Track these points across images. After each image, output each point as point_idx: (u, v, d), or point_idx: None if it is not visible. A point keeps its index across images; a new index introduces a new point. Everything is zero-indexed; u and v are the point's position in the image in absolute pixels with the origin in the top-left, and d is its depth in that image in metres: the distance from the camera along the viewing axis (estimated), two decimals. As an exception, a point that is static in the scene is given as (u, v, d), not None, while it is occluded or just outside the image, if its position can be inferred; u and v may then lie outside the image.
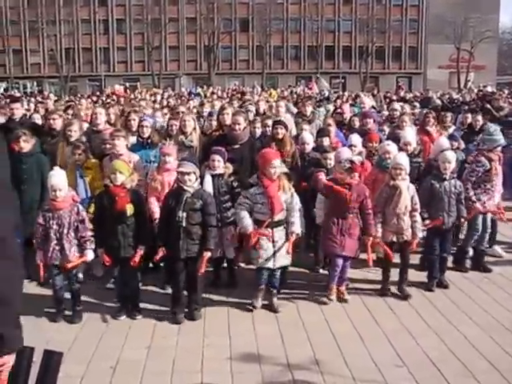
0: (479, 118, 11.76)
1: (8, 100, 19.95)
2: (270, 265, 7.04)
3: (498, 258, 9.14)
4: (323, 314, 6.96)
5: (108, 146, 8.25)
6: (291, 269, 8.28)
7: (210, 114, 11.00)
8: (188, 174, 6.65)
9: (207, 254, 6.76)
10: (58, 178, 6.77)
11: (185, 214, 6.62)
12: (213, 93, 29.26)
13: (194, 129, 9.05)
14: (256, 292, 7.21)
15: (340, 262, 7.28)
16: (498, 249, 9.32)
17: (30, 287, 7.63)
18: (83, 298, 7.15)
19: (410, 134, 9.11)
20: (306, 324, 6.66)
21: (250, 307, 7.12)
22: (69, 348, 6.07)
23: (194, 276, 6.83)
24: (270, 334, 6.40)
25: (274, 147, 8.35)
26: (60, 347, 5.69)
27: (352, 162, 7.26)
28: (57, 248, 6.74)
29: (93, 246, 6.83)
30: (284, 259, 7.13)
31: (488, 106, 16.40)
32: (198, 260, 6.76)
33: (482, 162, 8.39)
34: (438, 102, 21.03)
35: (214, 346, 6.14)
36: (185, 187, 6.66)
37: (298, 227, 7.05)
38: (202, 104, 14.17)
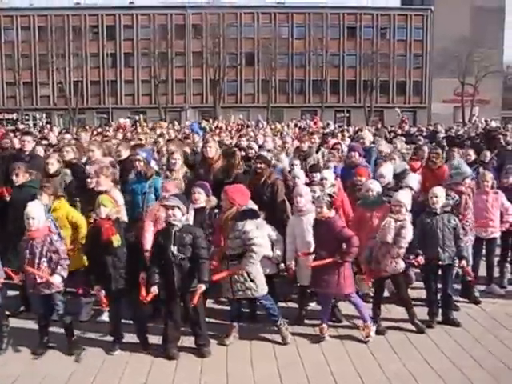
0: (470, 152, 11.99)
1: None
2: (248, 295, 7.14)
3: (498, 296, 8.91)
4: (323, 354, 6.83)
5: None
6: (291, 304, 8.28)
7: None
8: (172, 208, 6.69)
9: (201, 287, 6.67)
10: (32, 207, 6.86)
11: (176, 249, 6.64)
12: (217, 127, 29.29)
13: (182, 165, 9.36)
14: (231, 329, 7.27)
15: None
16: (496, 287, 9.10)
17: (26, 321, 7.66)
18: (80, 332, 7.20)
19: (386, 168, 9.08)
20: (306, 363, 6.54)
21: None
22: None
23: (195, 311, 6.79)
24: (268, 373, 6.31)
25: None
26: (55, 383, 5.77)
27: (331, 195, 7.30)
28: (31, 276, 6.75)
29: (63, 273, 6.78)
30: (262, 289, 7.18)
31: (500, 136, 16.49)
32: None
33: (451, 196, 8.36)
34: (441, 136, 21.06)
35: (211, 383, 6.09)
36: (173, 222, 6.70)
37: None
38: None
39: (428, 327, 7.55)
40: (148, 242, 7.42)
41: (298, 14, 73.79)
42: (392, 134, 23.79)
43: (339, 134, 18.30)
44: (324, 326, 7.27)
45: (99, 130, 28.76)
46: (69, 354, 6.82)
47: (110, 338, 7.09)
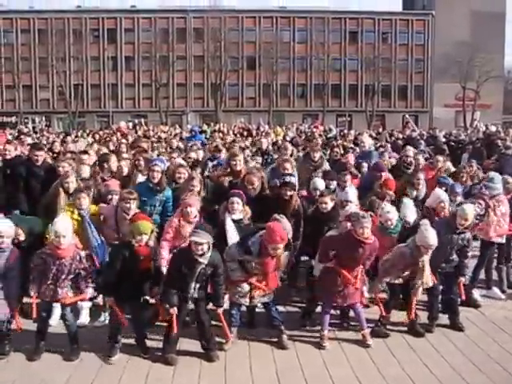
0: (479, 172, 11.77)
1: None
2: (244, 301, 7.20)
3: (498, 299, 8.93)
4: (322, 358, 6.80)
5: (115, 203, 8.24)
6: (290, 308, 8.26)
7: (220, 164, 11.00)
8: (201, 244, 6.54)
9: (220, 310, 6.86)
10: (62, 224, 6.76)
11: (198, 285, 6.67)
12: (218, 130, 29.23)
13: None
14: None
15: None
16: (497, 291, 9.10)
17: (25, 324, 7.60)
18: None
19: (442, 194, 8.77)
20: (304, 368, 6.52)
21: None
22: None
23: (200, 318, 6.87)
24: (267, 378, 6.29)
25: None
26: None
27: (371, 215, 7.22)
28: (51, 287, 6.74)
29: (92, 285, 6.91)
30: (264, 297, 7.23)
31: (499, 141, 16.48)
32: (202, 302, 6.85)
33: (482, 205, 8.33)
34: (442, 139, 21.03)
35: (209, 388, 6.02)
36: (200, 259, 6.58)
37: None
38: (218, 150, 13.49)
39: (427, 331, 7.53)
40: (163, 259, 7.38)
41: (299, 19, 73.74)
42: (393, 138, 23.83)
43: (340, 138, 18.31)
44: (325, 333, 7.21)
45: (100, 133, 28.76)
46: (67, 359, 6.75)
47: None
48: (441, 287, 7.83)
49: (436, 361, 6.70)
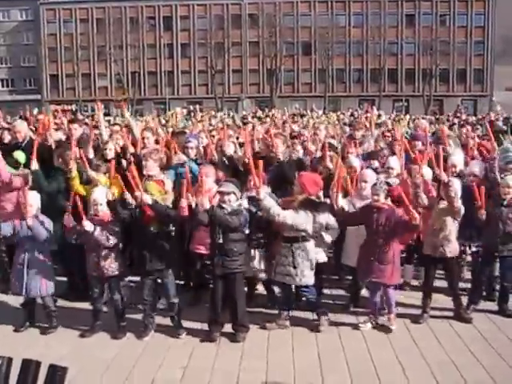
0: None
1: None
2: (286, 280, 7.04)
3: None
4: (365, 341, 6.74)
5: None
6: (335, 292, 8.23)
7: None
8: (228, 193, 6.70)
9: None
10: (99, 192, 6.98)
11: (221, 231, 6.67)
12: (271, 116, 29.31)
13: (235, 151, 9.23)
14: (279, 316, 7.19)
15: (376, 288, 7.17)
16: None
17: (73, 301, 7.84)
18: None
19: (457, 155, 8.72)
20: (347, 350, 6.46)
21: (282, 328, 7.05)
22: (107, 366, 6.12)
23: (232, 295, 6.83)
24: (309, 359, 6.26)
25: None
26: (99, 364, 5.90)
27: (388, 183, 7.12)
28: (95, 260, 6.88)
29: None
30: (303, 278, 7.02)
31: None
32: (235, 278, 6.79)
33: None
34: (501, 124, 20.53)
35: (251, 369, 6.03)
36: (223, 205, 6.70)
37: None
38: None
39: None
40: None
41: (355, 2, 72.98)
42: (448, 123, 23.36)
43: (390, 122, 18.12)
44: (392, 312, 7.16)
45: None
46: (114, 337, 6.89)
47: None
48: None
49: (482, 347, 6.53)
